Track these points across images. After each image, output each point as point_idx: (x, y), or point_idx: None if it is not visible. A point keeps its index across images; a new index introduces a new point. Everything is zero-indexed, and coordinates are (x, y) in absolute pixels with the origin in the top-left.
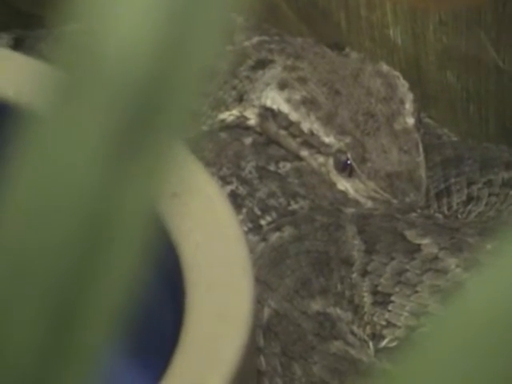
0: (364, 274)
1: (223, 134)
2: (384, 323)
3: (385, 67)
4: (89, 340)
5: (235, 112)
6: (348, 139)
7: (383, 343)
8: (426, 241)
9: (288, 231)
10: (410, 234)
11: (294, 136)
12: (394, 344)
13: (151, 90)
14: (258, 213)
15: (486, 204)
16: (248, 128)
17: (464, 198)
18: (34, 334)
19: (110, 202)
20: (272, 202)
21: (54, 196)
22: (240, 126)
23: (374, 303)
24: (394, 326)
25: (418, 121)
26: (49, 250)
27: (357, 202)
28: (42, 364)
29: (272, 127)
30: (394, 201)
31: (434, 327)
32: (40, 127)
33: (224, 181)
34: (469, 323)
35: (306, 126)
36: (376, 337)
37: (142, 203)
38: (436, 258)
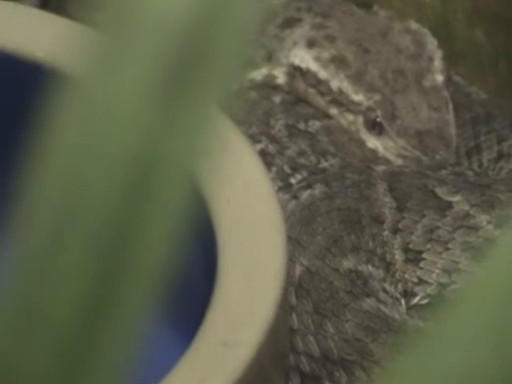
0: (395, 231)
1: (252, 93)
2: (416, 280)
3: (413, 25)
4: (133, 294)
5: (264, 71)
6: (377, 97)
7: (415, 300)
8: (457, 198)
9: (319, 189)
10: (441, 191)
11: (322, 94)
12: (426, 301)
13: (191, 45)
14: (288, 171)
15: None
16: (277, 87)
17: (494, 154)
18: (77, 286)
19: (153, 155)
20: (302, 160)
21: (98, 149)
22: (269, 85)
23: (406, 260)
24: (426, 283)
25: (447, 78)
26: (93, 201)
27: (387, 160)
28: (86, 316)
29: (301, 86)
30: (424, 158)
31: (465, 284)
32: (81, 85)
33: (254, 139)
34: (500, 280)
35: (334, 84)
36: (408, 294)
37: (183, 158)
38: (467, 214)
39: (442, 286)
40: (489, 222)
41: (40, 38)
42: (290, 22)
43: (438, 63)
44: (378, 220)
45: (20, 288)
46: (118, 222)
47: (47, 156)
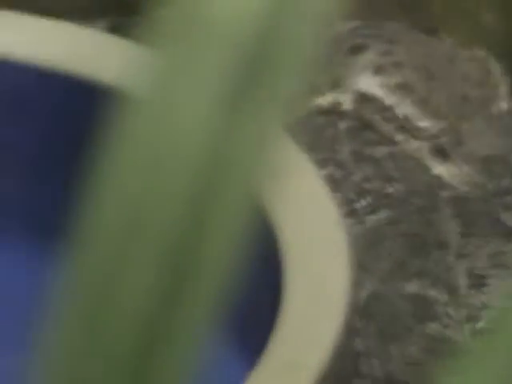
0: (460, 256)
1: (319, 119)
2: (480, 305)
3: (479, 52)
4: (197, 312)
5: (330, 97)
6: (443, 123)
7: (479, 325)
8: None
9: (384, 214)
10: (505, 217)
11: (388, 120)
12: (490, 326)
13: (256, 64)
14: (354, 197)
15: None
16: (343, 113)
17: None
18: (146, 300)
19: (218, 169)
20: (367, 185)
21: (163, 163)
22: (335, 111)
23: (470, 286)
24: (490, 308)
25: None
26: (161, 210)
27: (452, 186)
28: (152, 333)
29: (367, 112)
30: (490, 184)
31: None
32: (146, 103)
33: (320, 165)
34: None
35: (400, 111)
36: (472, 319)
37: (247, 175)
38: None
39: (506, 311)
40: None
41: (110, 62)
42: (357, 49)
43: (503, 90)
44: (443, 245)
45: (78, 305)
46: (186, 229)
47: (112, 172)
